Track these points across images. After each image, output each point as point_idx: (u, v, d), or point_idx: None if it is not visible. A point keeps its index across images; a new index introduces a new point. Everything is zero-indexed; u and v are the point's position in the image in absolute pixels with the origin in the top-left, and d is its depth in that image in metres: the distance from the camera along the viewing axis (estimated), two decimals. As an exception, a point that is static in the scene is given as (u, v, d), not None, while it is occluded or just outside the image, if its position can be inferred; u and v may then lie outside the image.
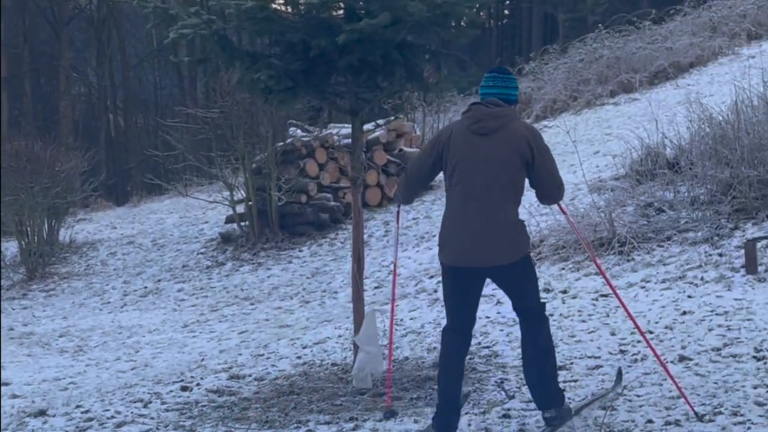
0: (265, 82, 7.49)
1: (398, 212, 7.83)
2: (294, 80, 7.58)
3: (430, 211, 15.83)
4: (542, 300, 6.30)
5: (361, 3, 7.39)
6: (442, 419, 6.09)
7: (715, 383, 6.73)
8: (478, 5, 7.90)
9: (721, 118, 11.89)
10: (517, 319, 6.37)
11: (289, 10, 7.73)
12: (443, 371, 6.15)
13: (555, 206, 7.05)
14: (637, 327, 6.78)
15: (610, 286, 6.95)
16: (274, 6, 7.57)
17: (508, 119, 5.95)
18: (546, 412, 6.14)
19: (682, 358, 7.37)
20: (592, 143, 17.47)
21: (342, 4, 7.53)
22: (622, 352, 7.81)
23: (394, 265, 7.41)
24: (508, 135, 5.89)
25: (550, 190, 6.12)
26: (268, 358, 9.44)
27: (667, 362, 7.32)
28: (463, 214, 5.94)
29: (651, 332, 8.19)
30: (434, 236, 14.06)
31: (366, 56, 7.34)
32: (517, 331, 8.78)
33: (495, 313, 9.75)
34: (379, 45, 7.29)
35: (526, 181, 6.05)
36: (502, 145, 5.87)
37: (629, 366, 7.39)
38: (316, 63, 7.57)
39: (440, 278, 10.82)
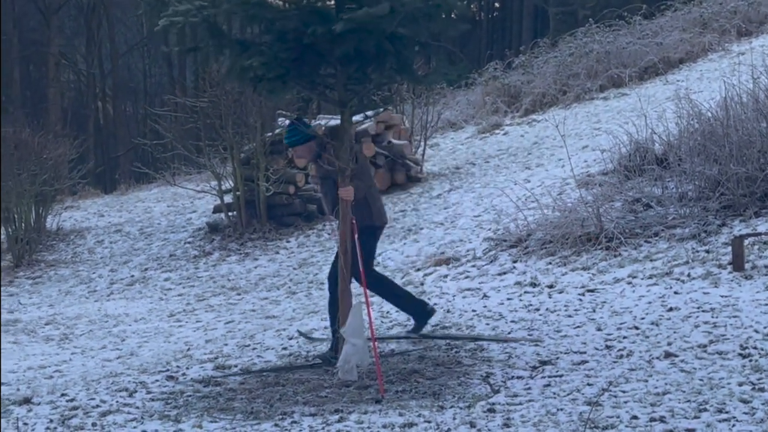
0: (256, 70, 7.46)
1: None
2: (284, 68, 7.55)
3: (417, 204, 15.79)
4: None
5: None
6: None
7: (701, 380, 6.74)
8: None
9: (710, 115, 11.90)
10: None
11: (282, -3, 7.70)
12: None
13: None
14: None
15: None
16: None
17: None
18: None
19: (667, 355, 7.37)
20: (580, 138, 17.46)
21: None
22: (608, 347, 7.81)
23: (363, 280, 8.00)
24: None
25: None
26: (254, 348, 9.42)
27: (652, 359, 7.33)
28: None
29: (637, 328, 8.20)
30: (422, 229, 14.09)
31: (360, 46, 7.30)
32: (503, 326, 8.84)
33: (481, 307, 9.76)
34: (374, 35, 7.25)
35: None
36: None
37: (614, 362, 7.40)
38: (306, 52, 7.53)
39: (427, 271, 11.31)
